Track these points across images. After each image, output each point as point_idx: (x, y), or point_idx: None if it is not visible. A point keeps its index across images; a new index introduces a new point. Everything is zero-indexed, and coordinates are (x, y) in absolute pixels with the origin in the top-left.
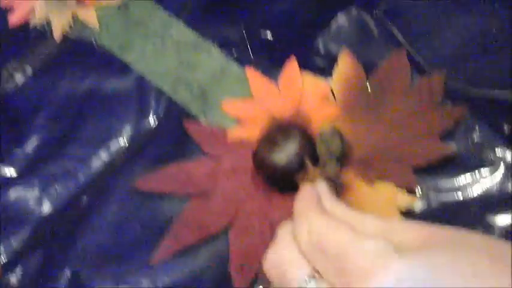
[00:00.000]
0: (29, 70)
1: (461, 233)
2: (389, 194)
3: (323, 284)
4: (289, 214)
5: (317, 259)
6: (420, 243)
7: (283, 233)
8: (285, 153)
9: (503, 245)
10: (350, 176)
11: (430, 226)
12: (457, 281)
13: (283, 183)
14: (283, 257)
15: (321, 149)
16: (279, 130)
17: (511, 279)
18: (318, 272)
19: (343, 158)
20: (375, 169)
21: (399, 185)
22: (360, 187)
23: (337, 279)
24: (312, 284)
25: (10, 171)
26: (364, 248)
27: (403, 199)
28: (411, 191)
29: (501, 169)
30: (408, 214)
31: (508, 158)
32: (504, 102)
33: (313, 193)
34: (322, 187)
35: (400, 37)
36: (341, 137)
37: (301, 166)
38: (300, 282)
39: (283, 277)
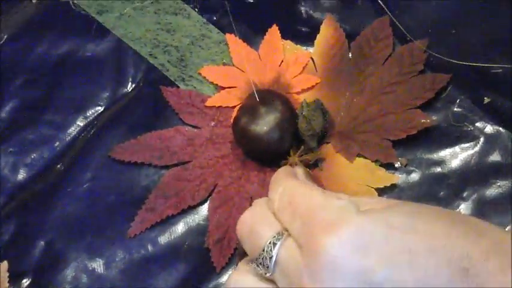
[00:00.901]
0: (5, 33)
1: (424, 205)
2: (369, 172)
3: (289, 240)
4: (267, 189)
5: (286, 217)
6: (383, 207)
7: (259, 200)
8: (266, 125)
9: (465, 216)
10: (330, 151)
11: (396, 201)
12: (411, 237)
13: (263, 155)
14: (255, 217)
15: (302, 125)
16: (261, 100)
17: (467, 242)
18: (287, 230)
19: (324, 133)
20: (355, 143)
21: (379, 159)
22: (339, 162)
23: (302, 233)
24: (279, 240)
25: None
26: (330, 205)
27: (383, 177)
28: (391, 165)
29: (481, 142)
30: (387, 188)
31: (488, 131)
32: (485, 75)
33: (290, 169)
34: (299, 170)
35: (383, 5)
36: (324, 112)
37: (281, 139)
38: (268, 239)
39: (253, 235)
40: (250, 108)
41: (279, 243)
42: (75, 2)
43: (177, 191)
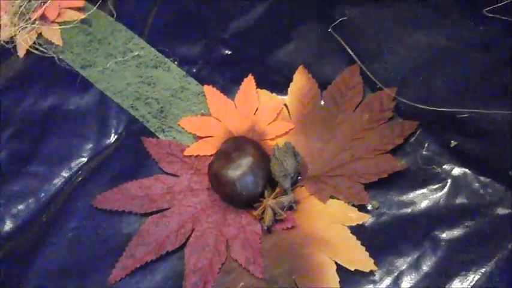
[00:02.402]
0: None
1: None
2: (341, 211)
3: None
4: (243, 231)
5: None
6: None
7: None
8: (239, 169)
9: None
10: (304, 193)
11: None
12: None
13: (237, 199)
14: None
15: (275, 167)
16: (234, 146)
17: None
18: None
19: (297, 175)
20: (328, 186)
21: (351, 202)
22: (312, 204)
23: None
24: None
25: None
26: None
27: (355, 216)
28: (363, 207)
29: (448, 184)
30: (359, 228)
31: (455, 173)
32: (452, 120)
33: None
34: None
35: (353, 54)
36: (295, 154)
37: (254, 182)
38: None
39: None
40: (223, 154)
41: None
42: (60, 57)
43: (156, 237)
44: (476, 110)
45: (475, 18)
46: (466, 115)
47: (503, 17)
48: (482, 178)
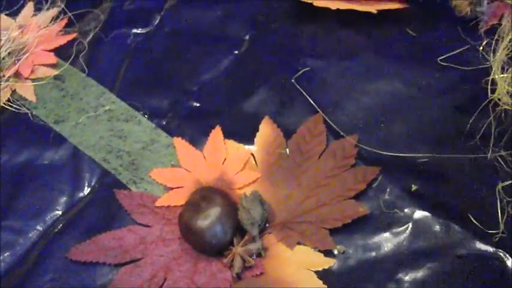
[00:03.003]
0: None
1: None
2: (308, 257)
3: None
4: (214, 279)
5: None
6: None
7: None
8: (207, 219)
9: None
10: (272, 240)
11: None
12: None
13: (207, 247)
14: None
15: (242, 215)
16: (202, 196)
17: None
18: None
19: (264, 223)
20: (294, 233)
21: (318, 247)
22: (280, 251)
23: None
24: None
25: None
26: None
27: (321, 261)
28: (329, 252)
29: (410, 227)
30: (326, 272)
31: (416, 216)
32: (412, 164)
33: None
34: None
35: (314, 104)
36: (262, 202)
37: (223, 231)
38: None
39: None
40: (192, 204)
41: None
42: (34, 113)
43: (130, 287)
44: (434, 155)
45: (431, 67)
46: (425, 159)
47: (455, 66)
48: (441, 220)
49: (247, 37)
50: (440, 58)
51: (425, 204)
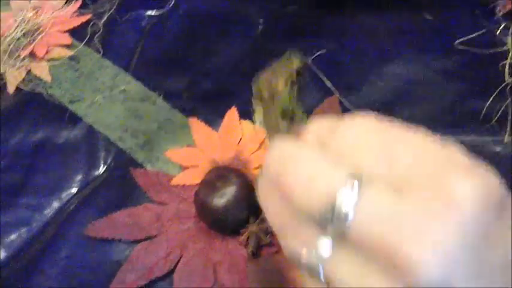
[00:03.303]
0: None
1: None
2: None
3: (376, 185)
4: (230, 256)
5: (370, 155)
6: None
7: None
8: (223, 198)
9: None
10: None
11: None
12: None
13: (223, 226)
14: (303, 155)
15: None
16: (218, 175)
17: None
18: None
19: None
20: None
21: None
22: None
23: (410, 174)
24: (356, 186)
25: None
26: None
27: None
28: None
29: None
30: None
31: None
32: None
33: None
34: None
35: (331, 86)
36: None
37: (238, 209)
38: (337, 185)
39: (305, 186)
40: (208, 183)
41: (354, 192)
42: (49, 93)
43: (145, 263)
44: (450, 138)
45: (448, 50)
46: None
47: (472, 49)
48: None
49: (262, 20)
50: (457, 41)
51: None
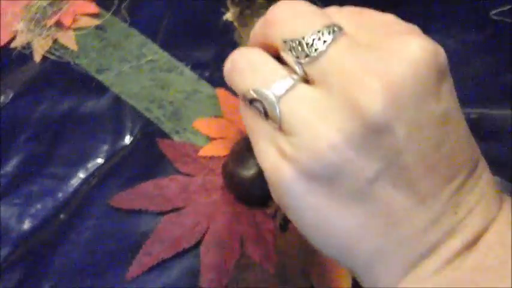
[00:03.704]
0: (10, 91)
1: None
2: None
3: (346, 37)
4: (257, 229)
5: (349, 17)
6: None
7: None
8: (252, 169)
9: None
10: None
11: None
12: None
13: (250, 198)
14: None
15: None
16: (246, 146)
17: None
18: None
19: None
20: None
21: None
22: None
23: (377, 33)
24: (333, 33)
25: None
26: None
27: None
28: None
29: None
30: None
31: None
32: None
33: None
34: None
35: None
36: None
37: (267, 181)
38: (316, 27)
39: (294, 17)
40: (236, 154)
41: (331, 35)
42: (76, 62)
43: (172, 235)
44: (481, 111)
45: (482, 22)
46: (473, 116)
47: (508, 20)
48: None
49: None
50: (492, 12)
51: None
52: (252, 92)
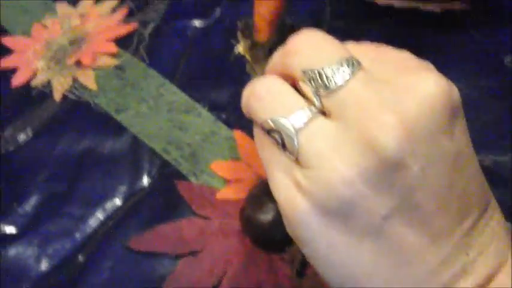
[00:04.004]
0: (30, 130)
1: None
2: None
3: (364, 72)
4: (274, 274)
5: (364, 51)
6: None
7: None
8: (270, 214)
9: None
10: None
11: None
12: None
13: (268, 242)
14: (314, 36)
15: None
16: (264, 190)
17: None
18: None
19: None
20: None
21: None
22: None
23: (392, 68)
24: (349, 66)
25: (10, 229)
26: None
27: None
28: None
29: None
30: None
31: None
32: None
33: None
34: None
35: None
36: None
37: (284, 226)
38: (333, 59)
39: (309, 47)
40: (254, 198)
41: (350, 68)
42: (95, 101)
43: (189, 279)
44: (494, 157)
45: (495, 69)
46: (485, 162)
47: None
48: None
49: None
50: (506, 60)
51: None
52: (270, 122)
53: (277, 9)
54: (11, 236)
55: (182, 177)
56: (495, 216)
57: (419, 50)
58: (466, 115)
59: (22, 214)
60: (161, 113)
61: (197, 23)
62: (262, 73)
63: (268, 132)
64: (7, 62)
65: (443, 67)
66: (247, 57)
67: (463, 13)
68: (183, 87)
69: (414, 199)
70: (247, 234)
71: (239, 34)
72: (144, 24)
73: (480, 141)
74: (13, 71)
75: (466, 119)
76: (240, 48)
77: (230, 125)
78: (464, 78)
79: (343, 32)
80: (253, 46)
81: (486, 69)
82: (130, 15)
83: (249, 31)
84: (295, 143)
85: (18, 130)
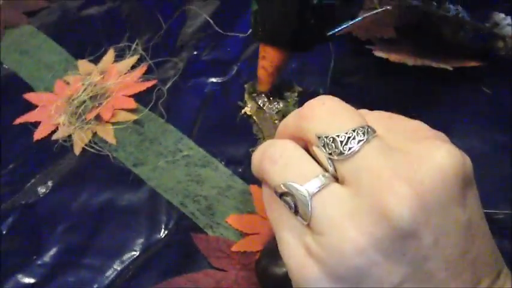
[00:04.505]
0: (50, 182)
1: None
2: None
3: (378, 139)
4: None
5: (378, 120)
6: None
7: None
8: (284, 267)
9: None
10: None
11: None
12: None
13: None
14: (336, 104)
15: None
16: None
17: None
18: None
19: None
20: None
21: None
22: None
23: (406, 137)
24: (366, 134)
25: (29, 280)
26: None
27: None
28: None
29: None
30: None
31: None
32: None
33: None
34: None
35: None
36: None
37: None
38: (349, 127)
39: (332, 116)
40: (270, 251)
41: (365, 135)
42: (114, 155)
43: None
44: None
45: (507, 125)
46: (501, 216)
47: None
48: None
49: (321, 90)
50: None
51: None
52: (283, 187)
53: (277, 63)
54: (30, 286)
55: (199, 229)
56: (507, 284)
57: (432, 106)
58: (478, 170)
59: (41, 264)
60: (179, 167)
61: (214, 79)
62: (269, 134)
63: (281, 195)
64: (30, 117)
65: (456, 122)
66: (254, 118)
67: (474, 69)
68: (200, 142)
69: (426, 267)
70: (263, 286)
71: (246, 96)
72: (163, 80)
73: (493, 196)
74: (35, 125)
75: (479, 174)
76: (247, 109)
77: (246, 179)
78: (477, 134)
79: (352, 88)
80: (259, 107)
81: (498, 125)
82: (149, 72)
83: (256, 93)
84: (309, 209)
85: (39, 183)
